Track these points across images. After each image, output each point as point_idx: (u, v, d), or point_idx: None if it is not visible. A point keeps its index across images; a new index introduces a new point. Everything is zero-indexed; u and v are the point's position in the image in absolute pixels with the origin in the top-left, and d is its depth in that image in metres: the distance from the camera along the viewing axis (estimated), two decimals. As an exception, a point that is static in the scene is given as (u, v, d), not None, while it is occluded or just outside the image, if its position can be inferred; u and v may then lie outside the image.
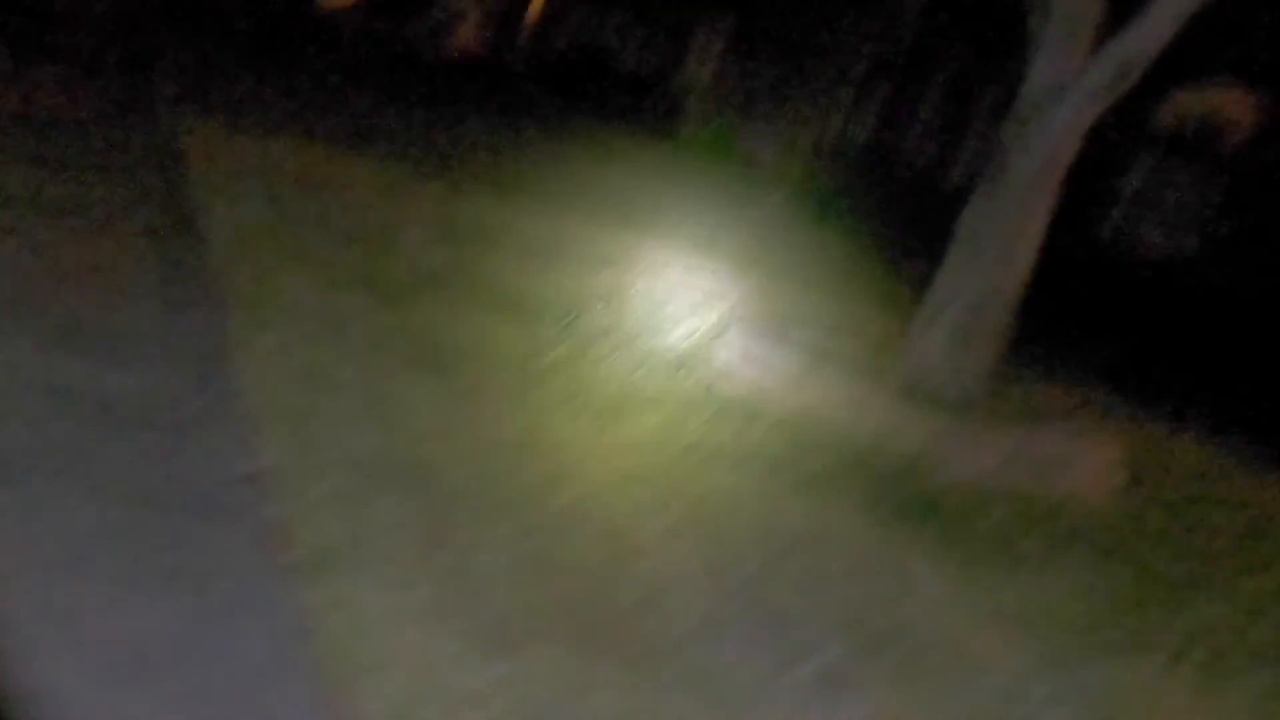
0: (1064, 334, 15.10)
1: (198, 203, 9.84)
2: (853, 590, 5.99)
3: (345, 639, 4.20)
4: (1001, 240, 9.14)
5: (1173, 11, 8.62)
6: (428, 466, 5.76)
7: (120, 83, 15.08)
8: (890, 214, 23.07)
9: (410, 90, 23.46)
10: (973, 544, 7.04)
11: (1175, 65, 9.42)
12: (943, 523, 7.23)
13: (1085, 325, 15.89)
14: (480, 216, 12.21)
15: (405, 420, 6.29)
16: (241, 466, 5.31)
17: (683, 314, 10.32)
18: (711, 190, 22.43)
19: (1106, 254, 20.37)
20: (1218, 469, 10.95)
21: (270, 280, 7.95)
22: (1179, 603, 7.13)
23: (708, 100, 31.17)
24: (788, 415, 8.28)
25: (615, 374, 8.10)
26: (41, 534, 4.34)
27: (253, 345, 6.71)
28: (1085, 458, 9.06)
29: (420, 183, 13.26)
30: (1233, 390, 14.77)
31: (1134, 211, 20.51)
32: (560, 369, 7.84)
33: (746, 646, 5.00)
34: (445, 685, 4.11)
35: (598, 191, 16.46)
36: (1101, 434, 9.64)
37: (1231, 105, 19.28)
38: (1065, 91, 8.87)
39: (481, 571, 4.92)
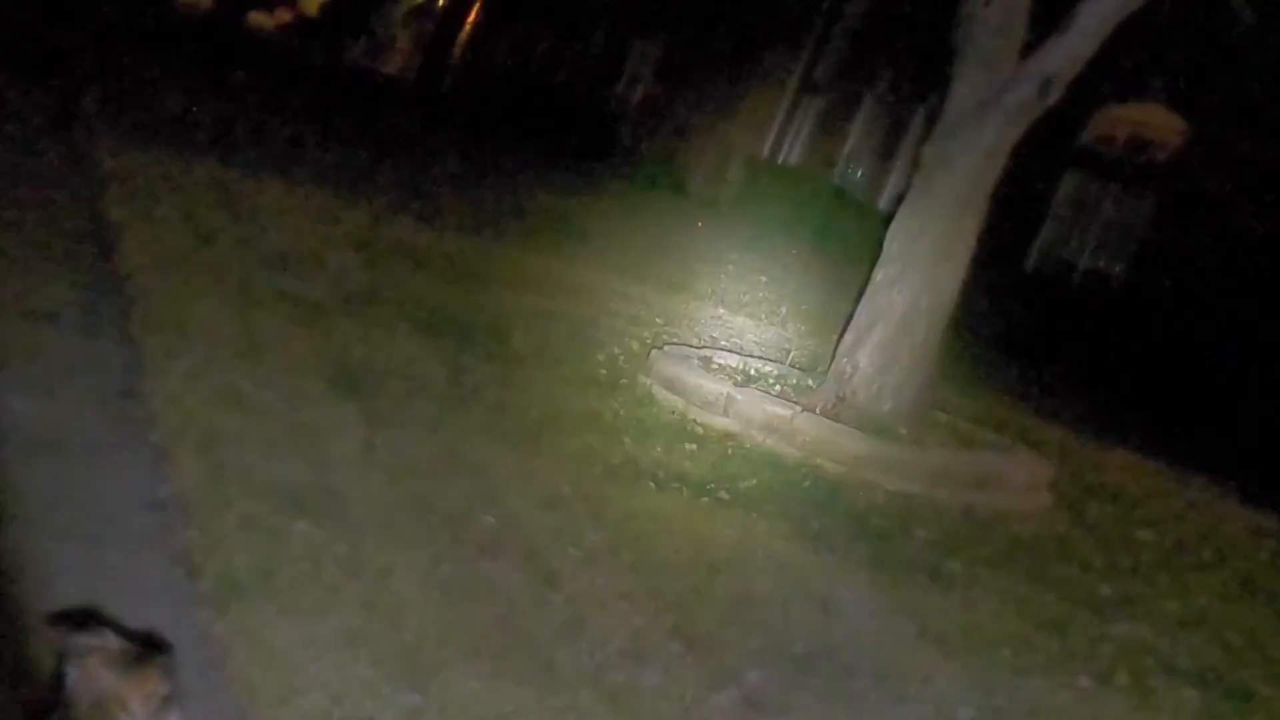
0: (991, 354, 15.17)
1: (115, 223, 9.68)
2: (778, 613, 5.91)
3: (254, 668, 4.08)
4: (928, 259, 9.10)
5: (1094, 28, 8.62)
6: (343, 492, 5.63)
7: (41, 98, 14.87)
8: (822, 236, 23.10)
9: (338, 114, 23.31)
10: (900, 565, 6.98)
11: (1101, 85, 9.47)
12: (870, 543, 7.17)
13: (1012, 345, 15.98)
14: (405, 240, 12.11)
15: (322, 444, 6.16)
16: (151, 492, 5.17)
17: (608, 337, 10.24)
18: (646, 212, 22.42)
19: (1033, 273, 20.48)
20: (1145, 487, 10.97)
21: (187, 301, 7.81)
22: (1106, 623, 7.09)
23: (638, 123, 31.18)
24: (716, 435, 8.21)
25: (539, 396, 8.00)
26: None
27: (166, 368, 6.56)
28: (1013, 477, 9.04)
29: (344, 207, 13.13)
30: (1161, 409, 14.87)
31: (1061, 231, 20.62)
32: (483, 391, 7.73)
33: (669, 672, 4.90)
34: (356, 716, 3.99)
35: (526, 215, 16.38)
36: (1029, 453, 9.63)
37: (1158, 125, 19.43)
38: (988, 109, 8.86)
39: (396, 599, 4.80)
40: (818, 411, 8.87)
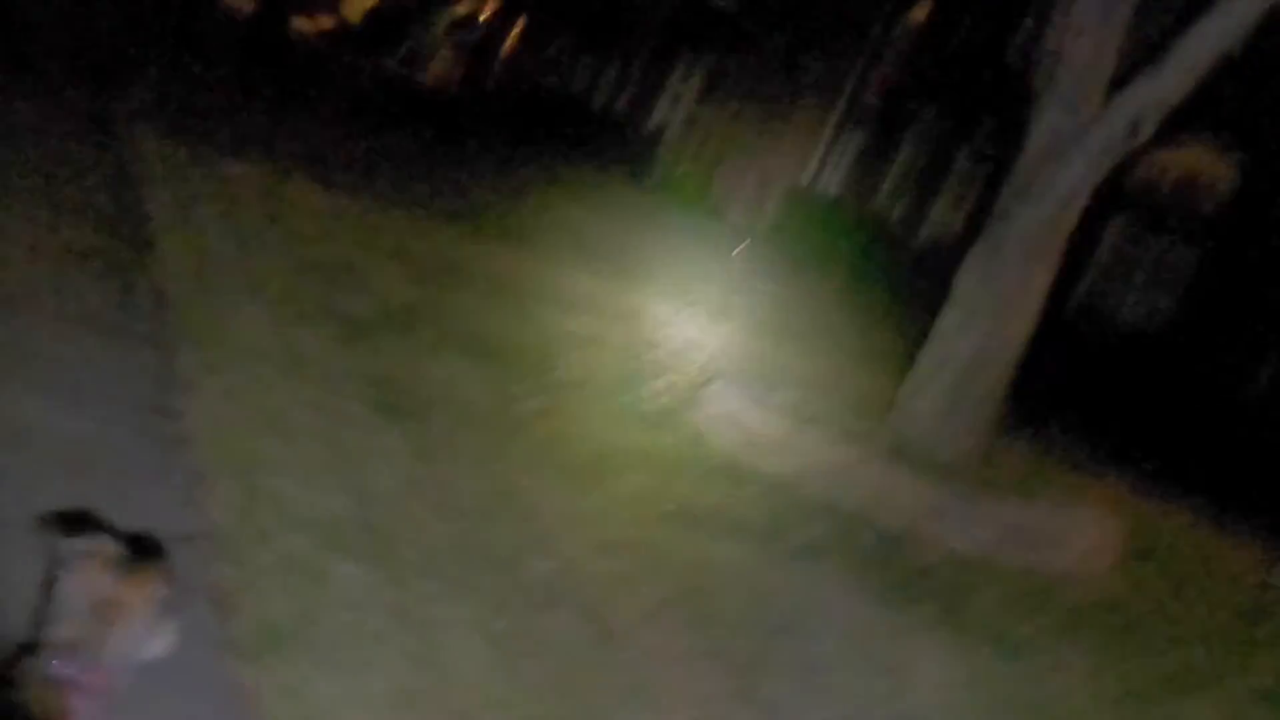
0: (1045, 400, 14.69)
1: (155, 227, 9.32)
2: (847, 679, 5.52)
3: (291, 731, 3.69)
4: (1000, 301, 8.70)
5: (1192, 62, 8.20)
6: (389, 530, 5.22)
7: (83, 97, 14.55)
8: (861, 269, 22.67)
9: (382, 123, 23.00)
10: (967, 629, 6.57)
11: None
12: (935, 604, 6.76)
13: (1058, 394, 15.46)
14: (449, 254, 11.73)
15: (366, 475, 5.75)
16: (182, 522, 4.77)
17: (656, 367, 9.84)
18: (684, 236, 22.04)
19: (1078, 320, 20.00)
20: (1205, 547, 10.55)
21: (227, 314, 7.43)
22: (1176, 697, 6.71)
23: (680, 144, 30.82)
24: (774, 480, 7.79)
25: (589, 431, 7.59)
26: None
27: (204, 386, 6.17)
28: (1076, 536, 8.60)
29: (388, 216, 12.75)
30: (1213, 463, 14.40)
31: (1106, 277, 20.14)
32: (534, 423, 7.33)
33: (739, 744, 4.50)
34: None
35: (569, 234, 16.00)
36: (1090, 510, 9.18)
37: (1208, 167, 18.93)
38: (1074, 145, 8.45)
39: (446, 654, 4.39)
40: (879, 455, 8.47)
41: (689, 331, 12.03)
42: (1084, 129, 8.44)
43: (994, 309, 8.75)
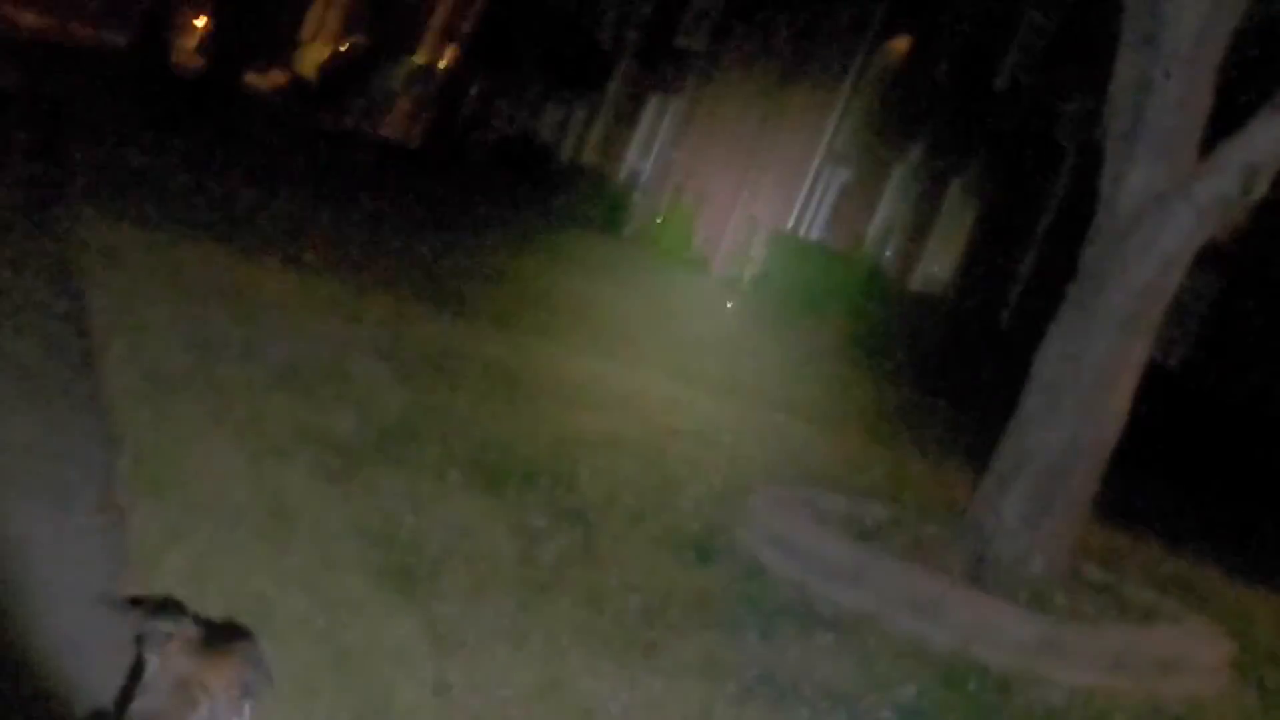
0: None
1: (97, 326, 8.05)
2: None
3: None
4: (1092, 382, 7.45)
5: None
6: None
7: (21, 172, 13.28)
8: (860, 320, 21.44)
9: (339, 184, 21.67)
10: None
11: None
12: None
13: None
14: (438, 342, 10.40)
15: (381, 686, 4.44)
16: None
17: (683, 470, 8.56)
18: (672, 292, 20.84)
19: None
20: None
21: (187, 454, 6.11)
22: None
23: (655, 191, 29.63)
24: (849, 622, 6.50)
25: (631, 573, 6.28)
26: None
27: (165, 563, 4.87)
28: (1193, 655, 7.35)
29: (359, 298, 11.43)
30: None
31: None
32: (565, 572, 6.01)
33: None
34: None
35: (559, 306, 14.71)
36: (1203, 623, 7.91)
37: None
38: (1170, 205, 7.23)
39: None
40: (957, 575, 7.22)
41: (703, 415, 10.76)
42: (1190, 182, 7.22)
43: (1085, 392, 7.49)
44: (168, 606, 2.93)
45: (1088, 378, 7.52)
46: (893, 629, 6.58)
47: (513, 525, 6.42)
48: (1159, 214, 7.31)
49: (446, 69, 37.79)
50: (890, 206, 25.43)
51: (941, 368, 17.43)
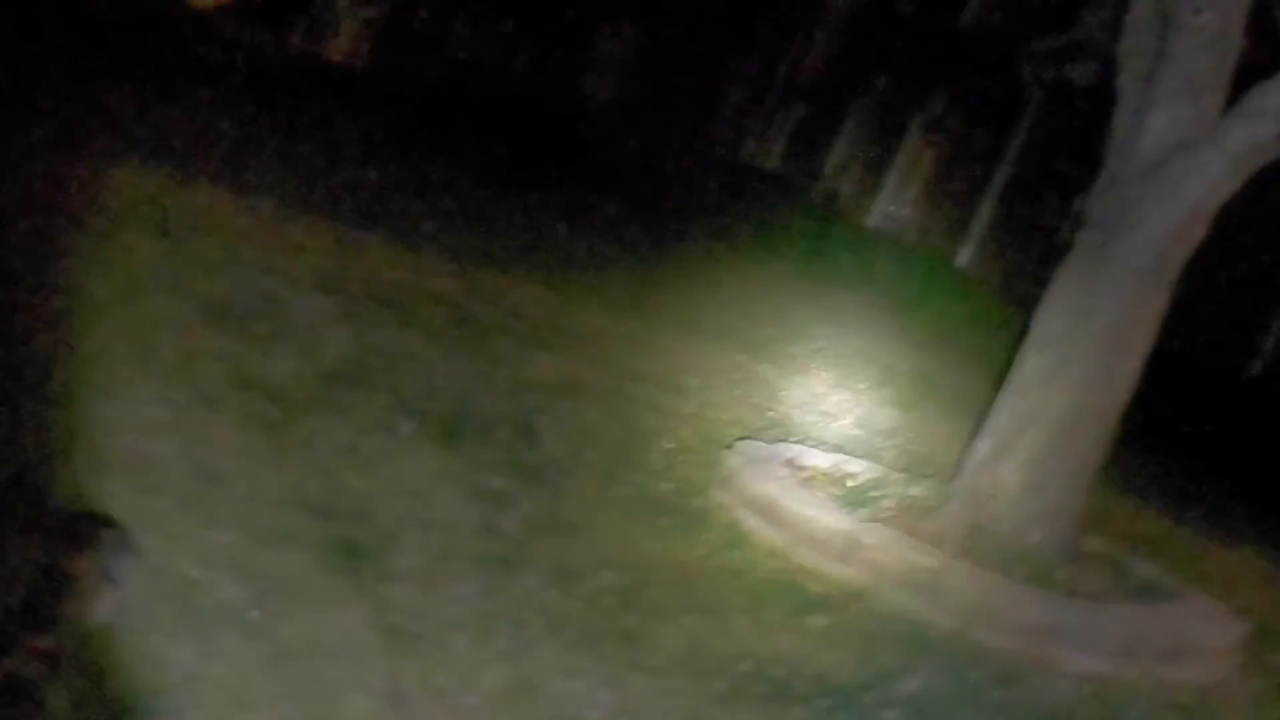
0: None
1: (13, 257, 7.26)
2: None
3: None
4: (1103, 341, 6.82)
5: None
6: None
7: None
8: (813, 258, 20.74)
9: (282, 105, 20.60)
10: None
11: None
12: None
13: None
14: (379, 274, 9.53)
15: (314, 681, 3.77)
16: None
17: (651, 419, 7.94)
18: (617, 230, 20.01)
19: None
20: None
21: (98, 401, 5.38)
22: None
23: (607, 121, 28.72)
24: (843, 598, 5.91)
25: (602, 544, 5.63)
26: None
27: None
28: (1203, 638, 6.80)
29: (299, 225, 10.53)
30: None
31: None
32: (530, 546, 5.35)
33: None
34: None
35: (500, 229, 13.70)
36: (1210, 603, 7.32)
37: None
38: (1196, 152, 6.60)
39: None
40: (954, 545, 6.63)
41: (668, 357, 10.05)
42: (1226, 127, 6.59)
43: (1095, 351, 6.88)
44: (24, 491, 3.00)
45: (1099, 335, 6.91)
46: (887, 609, 5.99)
47: (470, 489, 5.75)
48: (1185, 160, 6.68)
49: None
50: (850, 140, 24.87)
51: (900, 300, 16.77)
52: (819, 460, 7.49)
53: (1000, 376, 7.31)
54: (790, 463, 7.27)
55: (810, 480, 7.08)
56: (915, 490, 7.37)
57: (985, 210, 22.25)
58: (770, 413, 9.11)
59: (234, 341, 6.75)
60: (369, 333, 7.79)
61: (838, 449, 8.03)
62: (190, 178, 10.86)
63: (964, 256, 22.54)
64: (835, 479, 7.25)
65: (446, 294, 9.61)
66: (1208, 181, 6.64)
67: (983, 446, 7.11)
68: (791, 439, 8.10)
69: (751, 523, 6.46)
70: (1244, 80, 6.80)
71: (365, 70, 30.96)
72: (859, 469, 7.54)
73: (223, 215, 9.86)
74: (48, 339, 5.96)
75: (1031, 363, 7.05)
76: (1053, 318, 7.04)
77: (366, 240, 10.79)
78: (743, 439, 7.57)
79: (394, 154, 16.77)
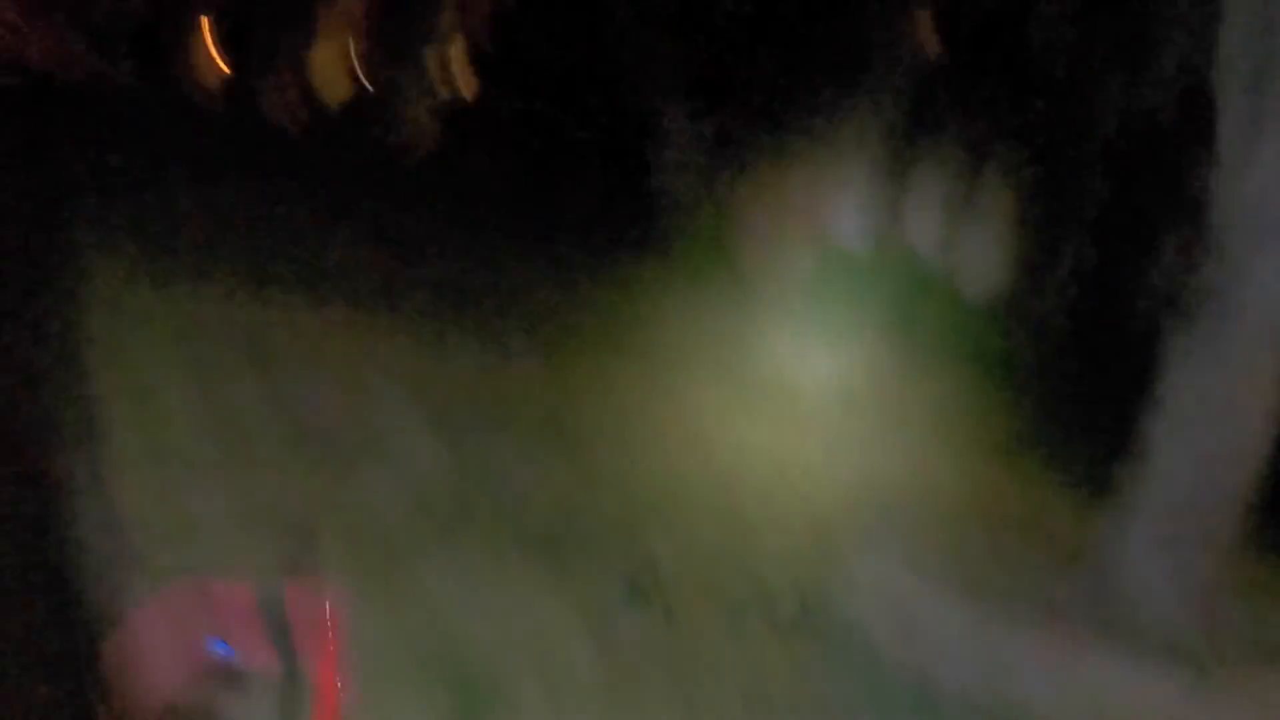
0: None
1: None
2: None
3: None
4: (1226, 410, 6.47)
5: None
6: None
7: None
8: (914, 321, 20.37)
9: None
10: None
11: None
12: None
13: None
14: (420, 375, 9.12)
15: None
16: None
17: (766, 512, 7.67)
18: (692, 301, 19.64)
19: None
20: None
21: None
22: None
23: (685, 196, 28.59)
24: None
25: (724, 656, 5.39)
26: None
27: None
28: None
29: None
30: None
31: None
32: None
33: None
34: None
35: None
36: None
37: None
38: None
39: None
40: (1086, 634, 6.31)
41: (761, 450, 9.73)
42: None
43: (1219, 419, 6.53)
44: None
45: (1227, 399, 6.55)
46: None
47: (595, 635, 5.48)
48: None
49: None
50: (925, 198, 24.56)
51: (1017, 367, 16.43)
52: (942, 554, 7.20)
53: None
54: (913, 559, 6.97)
55: (934, 577, 6.80)
56: (1043, 575, 7.06)
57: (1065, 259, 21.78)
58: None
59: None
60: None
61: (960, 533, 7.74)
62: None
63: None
64: (961, 574, 6.97)
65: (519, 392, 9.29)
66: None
67: (1107, 519, 6.78)
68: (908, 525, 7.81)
69: (881, 632, 6.20)
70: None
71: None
72: (985, 561, 7.26)
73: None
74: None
75: (1154, 427, 6.69)
76: (1174, 377, 6.65)
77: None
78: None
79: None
